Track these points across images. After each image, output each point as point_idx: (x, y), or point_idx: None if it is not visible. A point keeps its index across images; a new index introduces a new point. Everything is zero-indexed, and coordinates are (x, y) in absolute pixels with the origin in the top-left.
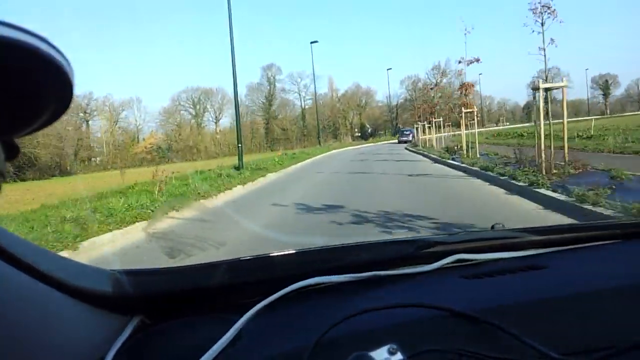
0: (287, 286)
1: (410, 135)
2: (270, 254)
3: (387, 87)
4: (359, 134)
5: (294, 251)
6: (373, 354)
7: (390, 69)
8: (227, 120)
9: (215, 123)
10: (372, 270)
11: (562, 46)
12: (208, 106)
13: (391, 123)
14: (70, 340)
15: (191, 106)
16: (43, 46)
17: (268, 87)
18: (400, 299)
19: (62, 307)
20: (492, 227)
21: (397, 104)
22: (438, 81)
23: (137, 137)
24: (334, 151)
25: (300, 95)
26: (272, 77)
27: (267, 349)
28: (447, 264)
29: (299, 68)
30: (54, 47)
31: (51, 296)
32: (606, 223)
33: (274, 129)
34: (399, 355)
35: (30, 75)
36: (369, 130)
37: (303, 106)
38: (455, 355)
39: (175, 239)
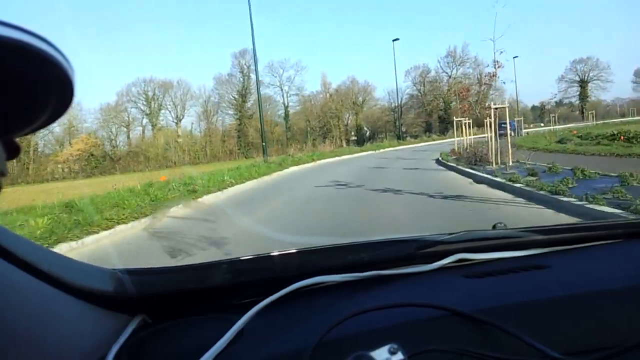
0: (287, 286)
1: (507, 128)
2: (270, 254)
3: (386, 84)
4: (355, 138)
5: (294, 251)
6: (374, 353)
7: (398, 39)
8: (191, 119)
9: (176, 123)
10: (373, 269)
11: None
12: (167, 102)
13: (394, 124)
14: (71, 340)
15: (144, 102)
16: (43, 46)
17: (241, 80)
18: (401, 298)
19: (63, 306)
20: (494, 226)
21: (400, 102)
22: (452, 74)
23: (69, 141)
24: (287, 171)
25: (282, 90)
26: (245, 67)
27: (267, 349)
28: (448, 263)
29: (280, 56)
30: (54, 47)
31: (52, 295)
32: (607, 223)
33: (248, 131)
34: (399, 355)
35: (30, 75)
36: (367, 133)
37: (286, 103)
38: (456, 355)
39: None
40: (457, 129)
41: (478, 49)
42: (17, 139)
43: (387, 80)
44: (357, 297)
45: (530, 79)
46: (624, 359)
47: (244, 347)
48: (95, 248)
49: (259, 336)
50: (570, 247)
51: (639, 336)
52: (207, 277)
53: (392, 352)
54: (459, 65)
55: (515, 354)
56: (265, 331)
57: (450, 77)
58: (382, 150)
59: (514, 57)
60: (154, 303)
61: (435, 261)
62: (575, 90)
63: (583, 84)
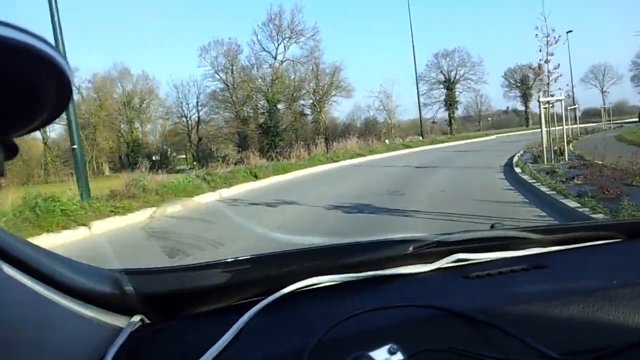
0: (287, 286)
1: None
2: (270, 254)
3: (176, 73)
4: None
5: (293, 251)
6: (373, 354)
7: None
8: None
9: None
10: (372, 270)
11: None
12: None
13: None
14: (69, 340)
15: None
16: (42, 46)
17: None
18: (400, 298)
19: (60, 306)
20: (492, 226)
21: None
22: (278, 51)
23: None
24: None
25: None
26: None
27: (267, 349)
28: (447, 263)
29: None
30: (52, 47)
31: (50, 296)
32: (607, 223)
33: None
34: (399, 355)
35: (29, 75)
36: (166, 153)
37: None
38: (455, 355)
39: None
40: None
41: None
42: (15, 139)
43: (177, 69)
44: (356, 298)
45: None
46: (623, 358)
47: (244, 347)
48: None
49: (257, 337)
50: (570, 247)
51: (638, 336)
52: (205, 277)
53: (392, 353)
54: (290, 38)
55: (514, 354)
56: (264, 332)
57: (275, 57)
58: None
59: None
60: (153, 303)
61: (433, 261)
62: None
63: None
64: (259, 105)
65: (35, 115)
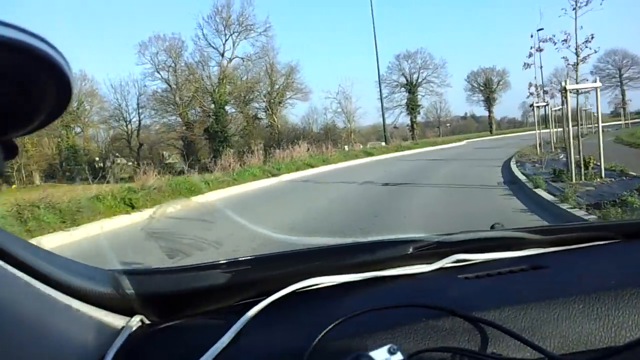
0: (287, 286)
1: None
2: (270, 254)
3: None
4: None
5: (293, 251)
6: (373, 354)
7: None
8: None
9: None
10: (372, 270)
11: None
12: None
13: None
14: (69, 341)
15: None
16: (42, 46)
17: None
18: (400, 299)
19: (60, 307)
20: (492, 226)
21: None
22: (225, 47)
23: None
24: None
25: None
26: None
27: (267, 349)
28: (447, 264)
29: None
30: (53, 47)
31: (50, 296)
32: (606, 223)
33: None
34: (399, 355)
35: (30, 75)
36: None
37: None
38: (455, 355)
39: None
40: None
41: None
42: (15, 139)
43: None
44: (356, 298)
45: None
46: (622, 358)
47: (244, 347)
48: None
49: (257, 337)
50: (569, 247)
51: (638, 336)
52: (205, 277)
53: (392, 352)
54: (239, 33)
55: (514, 353)
56: (264, 332)
57: (222, 54)
58: None
59: None
60: (153, 303)
61: (433, 262)
62: None
63: None
64: (205, 107)
65: (35, 115)
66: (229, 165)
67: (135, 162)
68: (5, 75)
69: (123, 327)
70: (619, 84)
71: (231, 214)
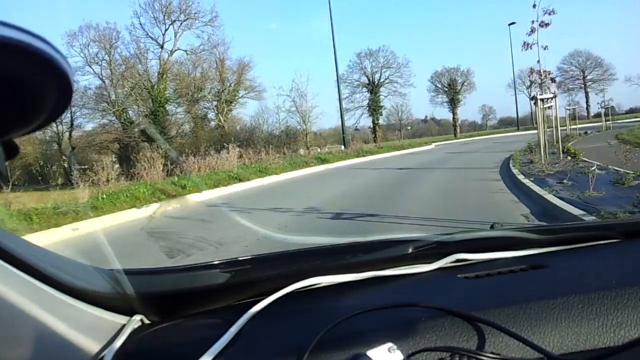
0: (287, 286)
1: None
2: (270, 254)
3: None
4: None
5: (293, 251)
6: (372, 353)
7: None
8: None
9: None
10: (371, 270)
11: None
12: None
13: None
14: (69, 340)
15: None
16: (42, 46)
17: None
18: (399, 299)
19: (61, 306)
20: (492, 226)
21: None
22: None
23: None
24: None
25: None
26: None
27: (267, 349)
28: (447, 263)
29: None
30: (53, 47)
31: (50, 296)
32: (606, 223)
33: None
34: (398, 355)
35: (30, 75)
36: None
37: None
38: (454, 355)
39: None
40: None
41: None
42: (15, 139)
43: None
44: (355, 298)
45: None
46: (622, 358)
47: (244, 347)
48: None
49: (257, 337)
50: (569, 247)
51: (638, 336)
52: (205, 277)
53: (391, 352)
54: (181, 22)
55: (513, 353)
56: (264, 332)
57: (162, 46)
58: None
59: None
60: (153, 303)
61: (433, 261)
62: None
63: None
64: (140, 105)
65: (35, 115)
66: (136, 177)
67: (68, 167)
68: (5, 75)
69: (123, 327)
70: (583, 85)
71: None
